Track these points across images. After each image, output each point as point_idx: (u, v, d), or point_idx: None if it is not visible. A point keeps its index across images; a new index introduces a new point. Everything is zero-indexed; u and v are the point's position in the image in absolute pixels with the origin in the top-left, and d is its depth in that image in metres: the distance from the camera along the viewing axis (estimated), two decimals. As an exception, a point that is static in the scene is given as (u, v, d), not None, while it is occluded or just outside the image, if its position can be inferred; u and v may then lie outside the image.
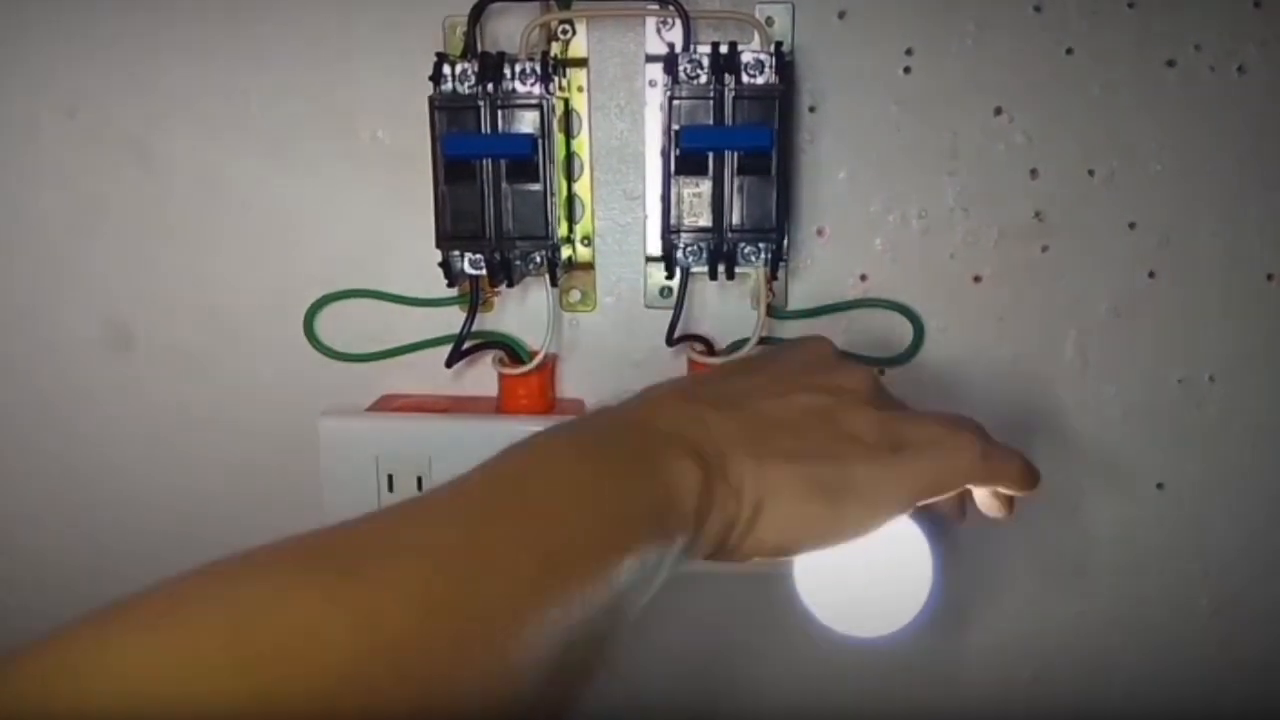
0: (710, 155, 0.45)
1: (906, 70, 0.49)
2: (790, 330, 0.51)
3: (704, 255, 0.47)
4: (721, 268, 0.47)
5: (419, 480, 0.50)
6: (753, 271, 0.49)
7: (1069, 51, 0.48)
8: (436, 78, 0.45)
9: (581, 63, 0.49)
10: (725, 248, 0.46)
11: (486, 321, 0.52)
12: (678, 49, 0.46)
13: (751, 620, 0.55)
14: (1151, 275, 0.50)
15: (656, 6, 0.48)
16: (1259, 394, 0.51)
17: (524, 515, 0.29)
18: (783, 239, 0.47)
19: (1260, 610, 0.53)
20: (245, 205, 0.52)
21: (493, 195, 0.46)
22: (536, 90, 0.45)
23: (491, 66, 0.45)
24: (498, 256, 0.47)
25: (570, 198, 0.50)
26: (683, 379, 0.43)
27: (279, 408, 0.54)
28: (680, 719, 0.56)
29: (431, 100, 0.45)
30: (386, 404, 0.52)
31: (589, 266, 0.51)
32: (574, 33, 0.49)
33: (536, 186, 0.46)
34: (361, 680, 0.23)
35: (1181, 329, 0.50)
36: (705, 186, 0.46)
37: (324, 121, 0.51)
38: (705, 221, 0.46)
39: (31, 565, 0.57)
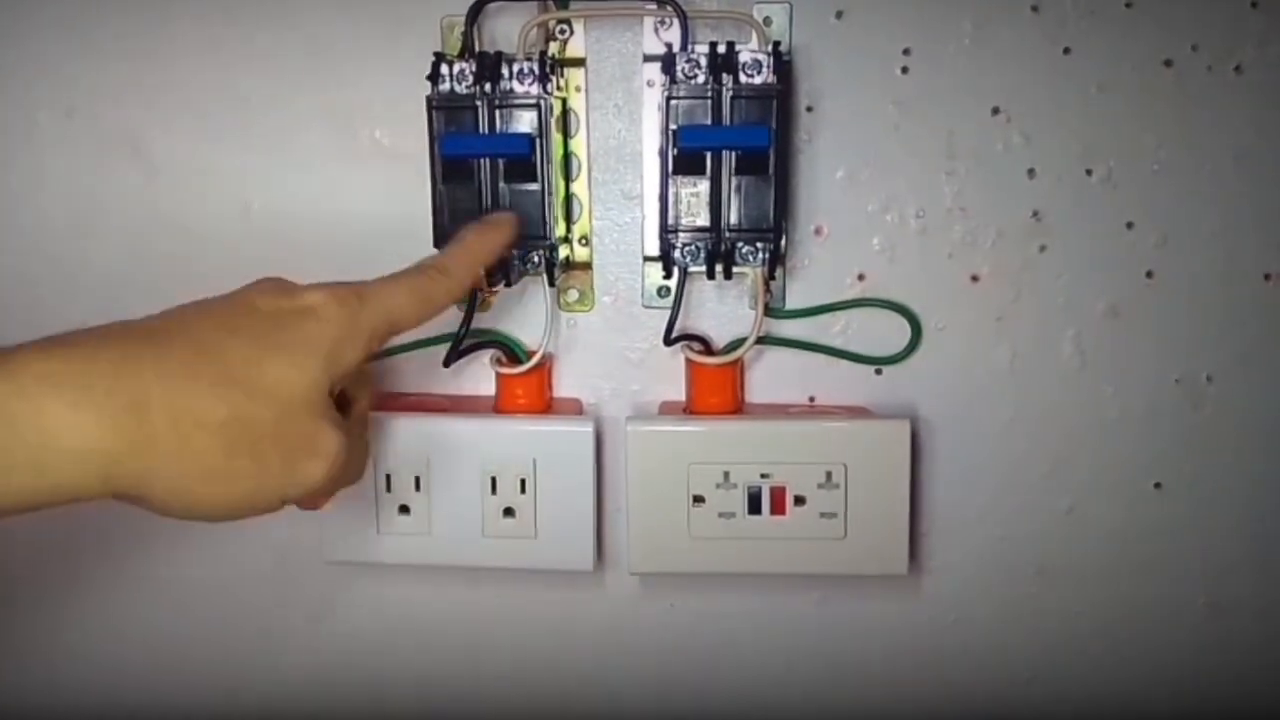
0: (708, 155, 0.45)
1: (904, 70, 0.49)
2: (789, 330, 0.51)
3: (702, 255, 0.47)
4: (719, 267, 0.47)
5: (416, 480, 0.50)
6: (750, 271, 0.49)
7: (1066, 51, 0.48)
8: (434, 77, 0.46)
9: (579, 62, 0.49)
10: (723, 247, 0.46)
11: (484, 321, 0.52)
12: (675, 49, 0.46)
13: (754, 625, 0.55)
14: (1149, 275, 0.50)
15: (654, 6, 0.48)
16: (1257, 394, 0.51)
17: None
18: (780, 238, 0.47)
19: (1259, 610, 0.53)
20: (243, 205, 0.52)
21: (490, 195, 0.46)
22: (534, 90, 0.45)
23: (489, 66, 0.45)
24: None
25: (568, 197, 0.50)
26: None
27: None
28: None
29: (429, 100, 0.46)
30: (384, 403, 0.52)
31: (587, 266, 0.51)
32: (572, 32, 0.49)
33: (534, 186, 0.46)
34: None
35: (1179, 329, 0.50)
36: (703, 186, 0.46)
37: (322, 121, 0.51)
38: (703, 221, 0.46)
39: (31, 565, 0.57)
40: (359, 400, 0.42)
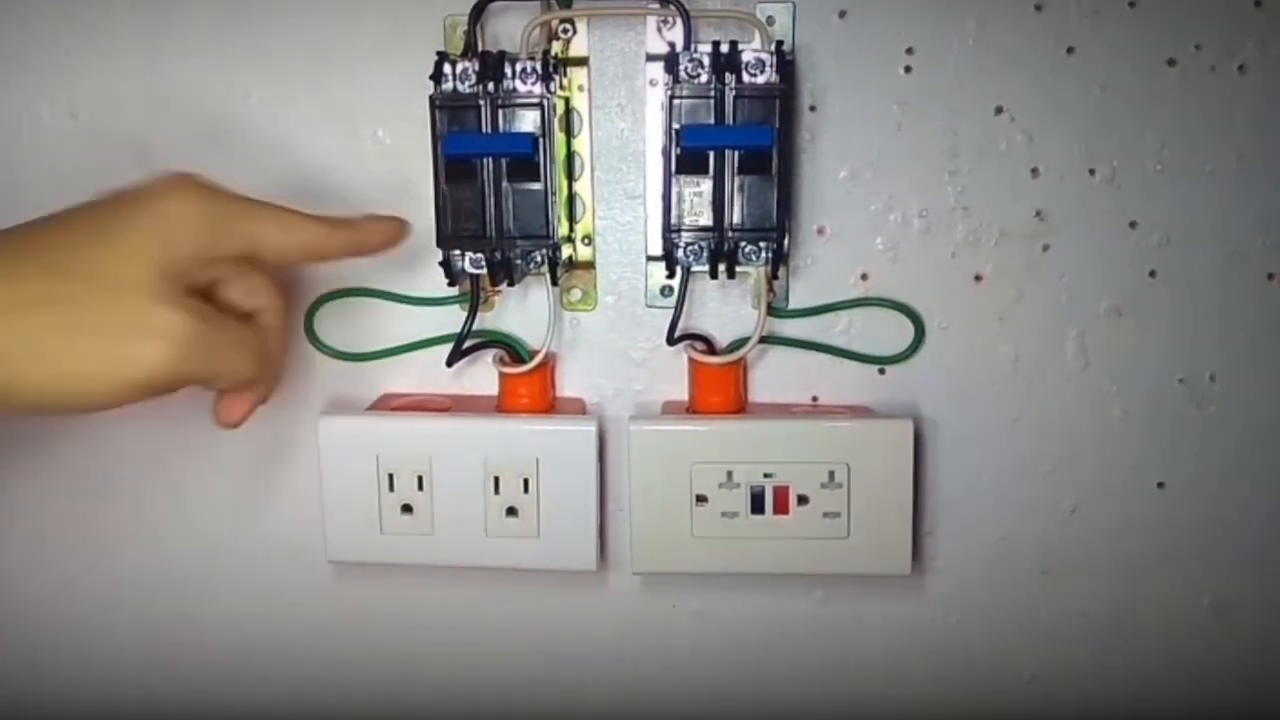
0: (711, 154, 0.45)
1: (907, 69, 0.49)
2: (791, 329, 0.51)
3: (705, 254, 0.47)
4: (722, 267, 0.47)
5: (419, 479, 0.50)
6: (753, 270, 0.49)
7: (1070, 50, 0.48)
8: (437, 77, 0.46)
9: (582, 62, 0.49)
10: (726, 247, 0.46)
11: (487, 321, 0.52)
12: (678, 48, 0.46)
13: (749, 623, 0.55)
14: (1152, 274, 0.50)
15: (657, 5, 0.48)
16: (1260, 393, 0.51)
17: None
18: (783, 238, 0.47)
19: (1263, 609, 0.53)
20: (246, 204, 0.52)
21: (493, 194, 0.46)
22: (537, 89, 0.45)
23: (492, 65, 0.45)
24: (498, 255, 0.47)
25: (571, 197, 0.50)
26: None
27: (279, 406, 0.53)
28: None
29: (432, 99, 0.46)
30: (387, 403, 0.52)
31: (589, 265, 0.51)
32: (575, 32, 0.49)
33: (537, 185, 0.46)
34: None
35: (1182, 328, 0.50)
36: (706, 185, 0.46)
37: (325, 121, 0.51)
38: (706, 220, 0.46)
39: (33, 559, 0.57)
40: (265, 310, 0.43)
